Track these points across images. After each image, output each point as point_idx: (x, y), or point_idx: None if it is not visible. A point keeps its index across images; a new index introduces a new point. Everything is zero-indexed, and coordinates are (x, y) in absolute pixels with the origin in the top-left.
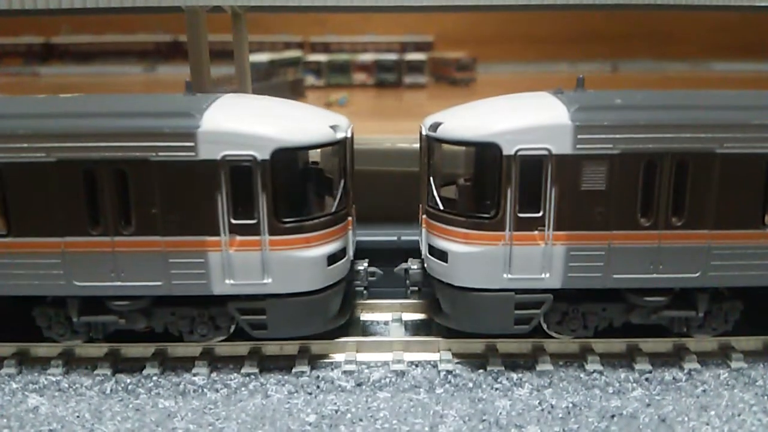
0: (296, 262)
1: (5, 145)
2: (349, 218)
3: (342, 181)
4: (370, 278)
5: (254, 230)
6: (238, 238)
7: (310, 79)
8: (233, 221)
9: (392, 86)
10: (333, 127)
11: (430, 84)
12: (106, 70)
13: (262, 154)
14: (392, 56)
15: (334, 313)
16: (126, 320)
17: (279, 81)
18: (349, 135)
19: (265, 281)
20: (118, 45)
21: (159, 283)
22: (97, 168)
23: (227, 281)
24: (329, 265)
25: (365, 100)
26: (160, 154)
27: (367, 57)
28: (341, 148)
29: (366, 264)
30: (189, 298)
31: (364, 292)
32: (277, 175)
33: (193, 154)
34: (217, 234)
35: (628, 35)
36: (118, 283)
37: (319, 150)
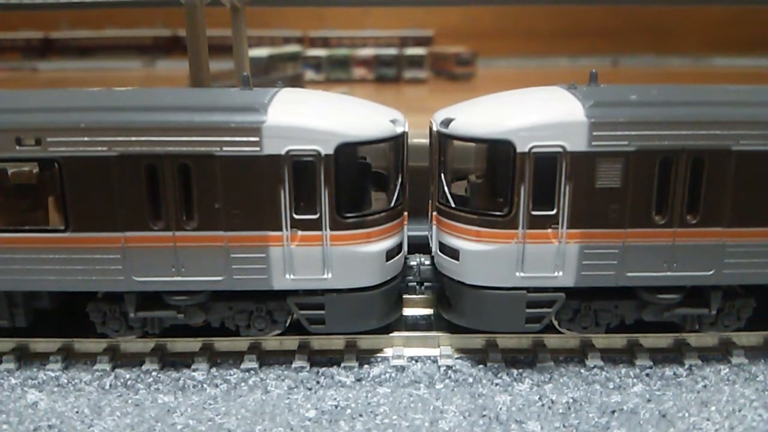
0: (356, 257)
1: (65, 138)
2: (405, 213)
3: (400, 176)
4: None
5: (316, 225)
6: (300, 233)
7: (310, 74)
8: (295, 216)
9: (392, 81)
10: (393, 122)
11: (430, 79)
12: (105, 65)
13: (326, 149)
14: (392, 51)
15: (389, 309)
16: (184, 315)
17: (278, 76)
18: (407, 129)
19: (325, 276)
20: (117, 40)
21: (220, 278)
22: (160, 162)
23: (288, 276)
24: (387, 260)
25: (365, 95)
26: (225, 149)
27: (367, 52)
28: (400, 142)
29: (420, 259)
30: (247, 292)
31: (418, 287)
32: (340, 170)
33: (257, 149)
34: (279, 229)
35: (628, 30)
36: (179, 278)
37: (376, 145)
